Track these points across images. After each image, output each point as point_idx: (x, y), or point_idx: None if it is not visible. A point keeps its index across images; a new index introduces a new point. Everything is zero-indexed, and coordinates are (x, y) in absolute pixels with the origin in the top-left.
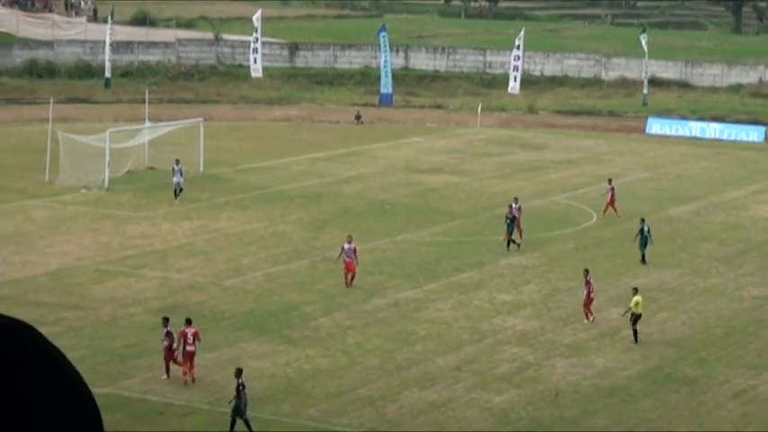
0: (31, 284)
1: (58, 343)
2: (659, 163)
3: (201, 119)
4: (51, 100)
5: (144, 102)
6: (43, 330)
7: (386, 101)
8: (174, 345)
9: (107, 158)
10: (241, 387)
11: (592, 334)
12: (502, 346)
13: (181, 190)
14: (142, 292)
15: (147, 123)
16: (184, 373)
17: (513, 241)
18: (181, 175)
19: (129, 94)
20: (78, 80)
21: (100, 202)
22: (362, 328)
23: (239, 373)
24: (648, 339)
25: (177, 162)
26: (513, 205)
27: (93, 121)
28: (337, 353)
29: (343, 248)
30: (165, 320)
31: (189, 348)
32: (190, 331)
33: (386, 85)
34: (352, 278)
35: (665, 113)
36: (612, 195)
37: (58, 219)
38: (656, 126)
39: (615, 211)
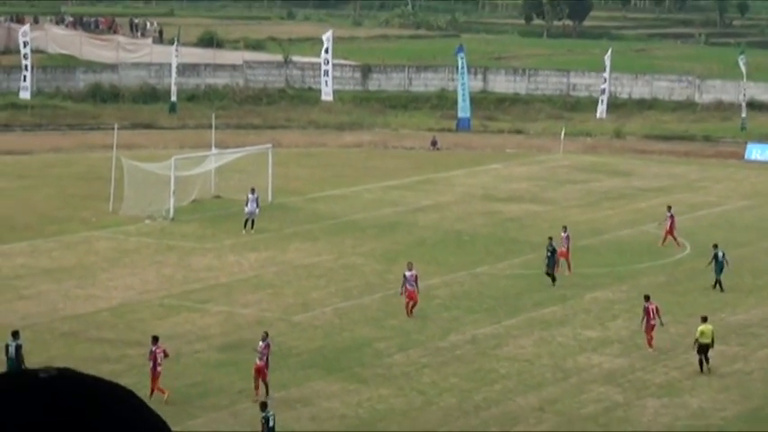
0: (93, 320)
1: (121, 381)
2: (760, 191)
3: (270, 145)
4: (115, 125)
5: (210, 127)
6: (105, 369)
7: (463, 125)
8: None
9: (172, 187)
10: (264, 421)
11: (686, 372)
12: (587, 386)
13: (253, 221)
14: (207, 327)
15: (214, 150)
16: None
17: (552, 275)
18: (257, 205)
19: (195, 119)
20: (143, 104)
21: (164, 233)
22: (439, 366)
23: (264, 407)
24: (749, 378)
25: (253, 191)
26: (562, 234)
27: (158, 148)
28: (412, 392)
29: (404, 277)
30: (155, 339)
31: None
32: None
33: (463, 109)
34: (413, 306)
35: (765, 138)
36: (672, 223)
37: (122, 250)
38: (756, 152)
39: (675, 240)
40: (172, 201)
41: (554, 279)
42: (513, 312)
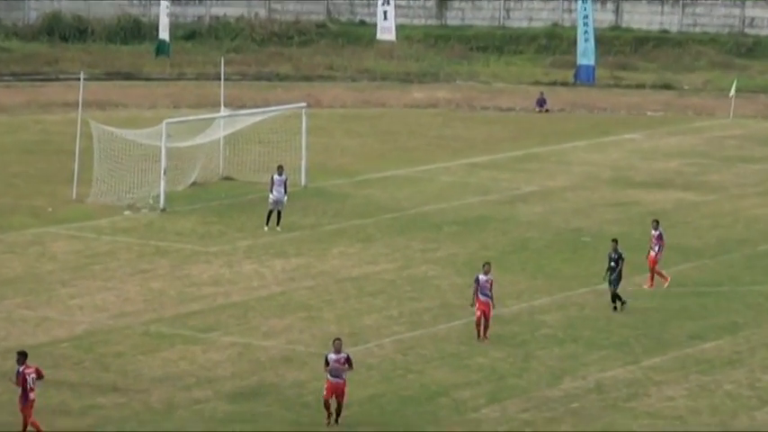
0: (47, 354)
1: None
2: None
3: (304, 104)
4: (81, 75)
5: (218, 78)
6: (65, 424)
7: (585, 77)
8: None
9: (163, 164)
10: None
11: None
12: None
13: (279, 214)
14: (212, 367)
15: (224, 111)
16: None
17: (619, 297)
18: (285, 190)
19: (195, 65)
20: (121, 45)
21: (151, 230)
22: (547, 424)
23: None
24: None
25: (280, 170)
26: (653, 233)
27: (143, 108)
28: None
29: (477, 282)
30: (22, 356)
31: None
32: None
33: (585, 54)
34: (486, 327)
35: None
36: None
37: (90, 255)
38: None
39: None
40: (162, 184)
41: (619, 300)
42: (657, 348)
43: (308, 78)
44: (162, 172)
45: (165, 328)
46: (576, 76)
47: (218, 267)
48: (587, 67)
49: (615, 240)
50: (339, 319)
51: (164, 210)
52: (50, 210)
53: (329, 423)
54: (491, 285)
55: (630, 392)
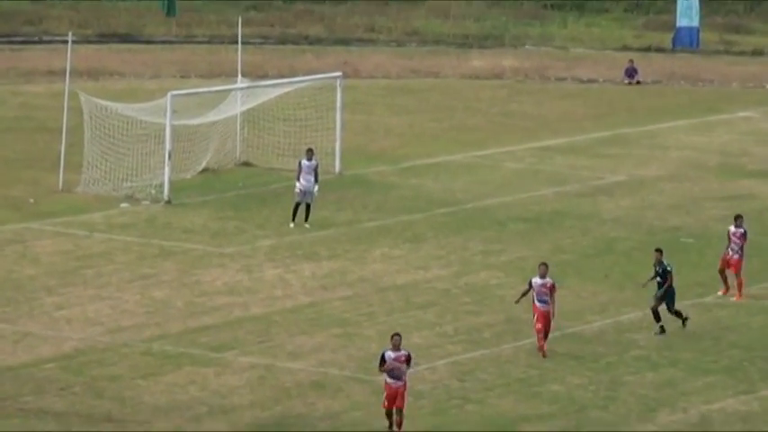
0: (28, 377)
1: None
2: None
3: (339, 74)
4: (70, 37)
5: (235, 42)
6: None
7: (686, 41)
8: None
9: (167, 146)
10: None
11: None
12: None
13: (308, 207)
14: (228, 393)
15: (241, 81)
16: None
17: (679, 314)
18: (315, 179)
19: (207, 26)
20: (117, 1)
21: (154, 227)
22: None
23: None
24: None
25: (309, 154)
26: (732, 230)
27: (144, 78)
28: None
29: (530, 286)
30: None
31: None
32: None
33: (686, 13)
34: (544, 338)
35: None
36: None
37: (80, 257)
38: None
39: None
40: (167, 171)
41: (679, 317)
42: None
43: (343, 42)
44: (166, 156)
45: (171, 347)
46: (674, 40)
47: (234, 273)
48: (689, 29)
49: (659, 251)
50: (381, 337)
51: (169, 202)
52: (32, 201)
53: None
54: (551, 291)
55: (745, 429)
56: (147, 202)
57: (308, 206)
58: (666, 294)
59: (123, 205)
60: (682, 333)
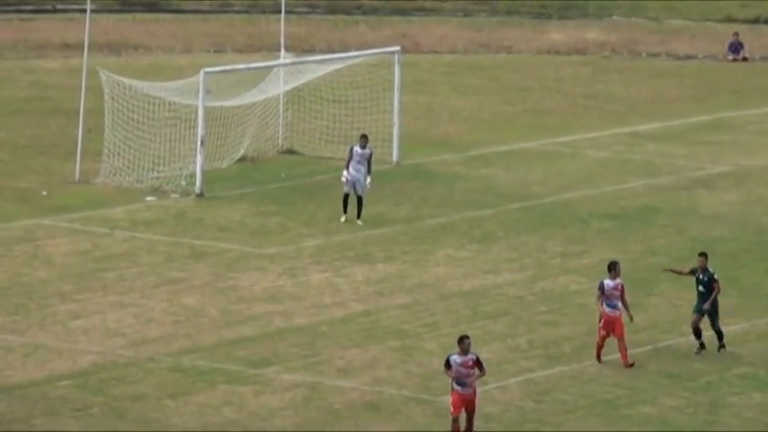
0: (40, 396)
1: None
2: None
3: (397, 48)
4: (88, 5)
5: (277, 12)
6: None
7: None
8: None
9: (200, 131)
10: None
11: None
12: None
13: (360, 201)
14: (268, 416)
15: (284, 56)
16: None
17: (720, 334)
18: (368, 169)
19: None
20: None
21: (184, 224)
22: None
23: None
24: None
25: (364, 141)
26: None
27: (174, 52)
28: None
29: (602, 289)
30: None
31: None
32: None
33: None
34: (623, 348)
35: None
36: None
37: (99, 258)
38: None
39: None
40: (199, 159)
41: (717, 338)
42: None
43: (402, 12)
44: (198, 142)
45: (203, 362)
46: None
47: (275, 276)
48: None
49: (704, 255)
50: (444, 350)
51: (201, 195)
52: (45, 194)
53: None
54: (622, 293)
55: None
56: (177, 196)
57: (359, 200)
58: (713, 307)
59: (149, 199)
60: None
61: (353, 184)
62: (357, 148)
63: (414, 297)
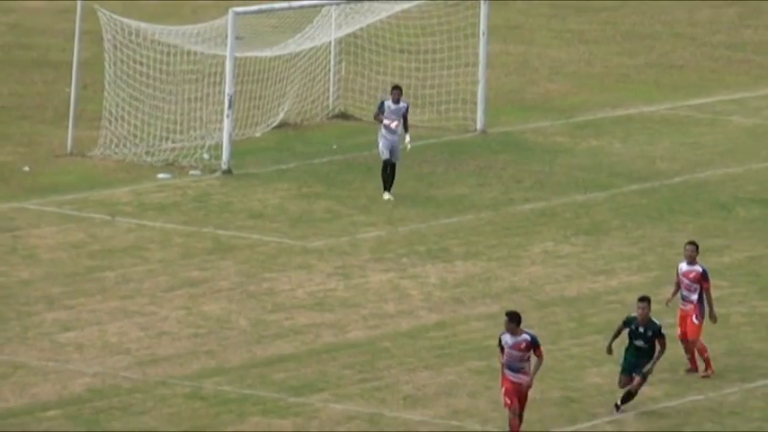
0: (21, 429)
1: None
2: None
3: None
4: None
5: None
6: None
7: None
8: None
9: (228, 90)
10: None
11: None
12: None
13: (392, 168)
14: None
15: None
16: None
17: (627, 395)
18: (405, 126)
19: None
20: None
21: (206, 209)
22: None
23: None
24: None
25: (396, 93)
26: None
27: None
28: None
29: (678, 276)
30: None
31: None
32: None
33: None
34: (698, 352)
35: None
36: None
37: (96, 253)
38: None
39: None
40: (227, 126)
41: (626, 398)
42: None
43: None
44: (226, 104)
45: (230, 387)
46: None
47: (324, 277)
48: None
49: (646, 300)
50: (544, 374)
51: (229, 171)
52: (27, 170)
53: None
54: (700, 282)
55: None
56: (197, 173)
57: (392, 167)
58: (643, 364)
59: (161, 176)
60: None
61: (391, 148)
62: (389, 104)
63: (502, 305)
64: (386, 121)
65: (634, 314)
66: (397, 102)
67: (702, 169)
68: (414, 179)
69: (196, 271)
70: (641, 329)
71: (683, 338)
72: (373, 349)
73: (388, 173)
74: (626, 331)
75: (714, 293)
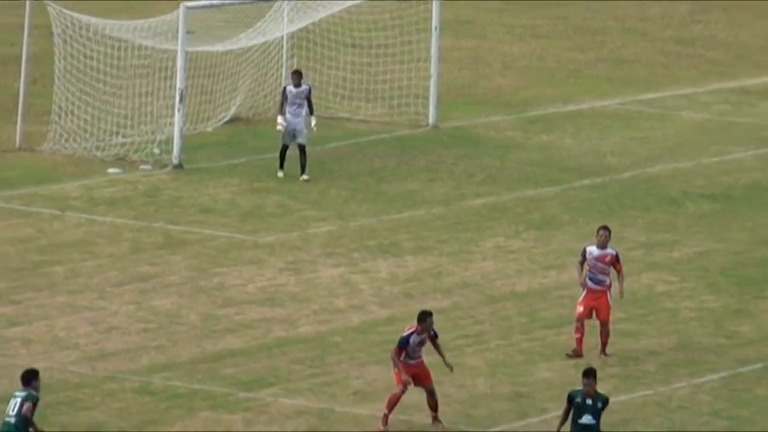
0: None
1: None
2: None
3: None
4: None
5: None
6: None
7: None
8: None
9: (178, 84)
10: None
11: None
12: None
13: (302, 150)
14: None
15: None
16: None
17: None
18: (310, 108)
19: None
20: None
21: (156, 203)
22: None
23: None
24: None
25: (296, 77)
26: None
27: None
28: None
29: (584, 256)
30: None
31: None
32: None
33: None
34: (604, 334)
35: None
36: None
37: (44, 247)
38: None
39: None
40: (178, 120)
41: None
42: None
43: None
44: (177, 98)
45: (180, 382)
46: None
47: (275, 272)
48: None
49: (591, 373)
50: (493, 369)
51: (180, 166)
52: None
53: None
54: (613, 265)
55: None
56: (148, 167)
57: (301, 150)
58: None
59: (112, 171)
60: None
61: (293, 132)
62: (290, 88)
63: (453, 300)
64: (279, 126)
65: (577, 388)
66: (298, 85)
67: (652, 164)
68: (365, 174)
69: (146, 266)
70: (589, 401)
71: (598, 319)
72: (324, 344)
73: (299, 154)
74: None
75: (663, 288)
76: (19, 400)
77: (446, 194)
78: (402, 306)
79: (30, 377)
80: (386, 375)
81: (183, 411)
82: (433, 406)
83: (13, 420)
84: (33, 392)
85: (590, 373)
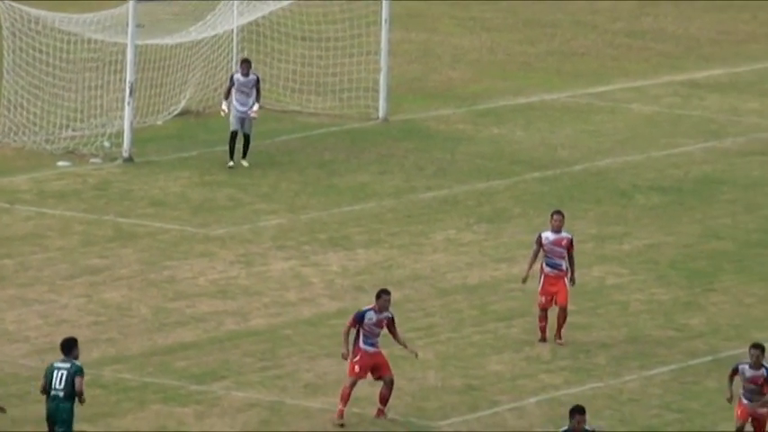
0: None
1: None
2: None
3: None
4: None
5: None
6: None
7: None
8: None
9: (128, 77)
10: None
11: None
12: None
13: (246, 138)
14: None
15: None
16: None
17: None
18: (258, 95)
19: None
20: None
21: (107, 196)
22: None
23: None
24: None
25: (245, 66)
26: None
27: None
28: None
29: (539, 243)
30: None
31: None
32: None
33: None
34: (561, 319)
35: None
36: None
37: None
38: None
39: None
40: (128, 113)
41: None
42: None
43: None
44: (127, 91)
45: (131, 375)
46: None
47: (226, 265)
48: None
49: (579, 410)
50: (445, 362)
51: (130, 159)
52: None
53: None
54: (568, 250)
55: None
56: (98, 160)
57: (246, 137)
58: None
59: (62, 164)
60: None
61: (242, 121)
62: (238, 76)
63: (404, 293)
64: (222, 112)
65: (564, 428)
66: (246, 74)
67: (603, 157)
68: (315, 167)
69: (96, 259)
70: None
71: (557, 304)
72: (275, 337)
73: (243, 143)
74: None
75: (613, 281)
76: (65, 373)
77: (397, 187)
78: (353, 299)
79: (70, 345)
80: (337, 368)
81: (135, 404)
82: (386, 398)
83: (61, 394)
84: (77, 363)
85: (577, 410)
